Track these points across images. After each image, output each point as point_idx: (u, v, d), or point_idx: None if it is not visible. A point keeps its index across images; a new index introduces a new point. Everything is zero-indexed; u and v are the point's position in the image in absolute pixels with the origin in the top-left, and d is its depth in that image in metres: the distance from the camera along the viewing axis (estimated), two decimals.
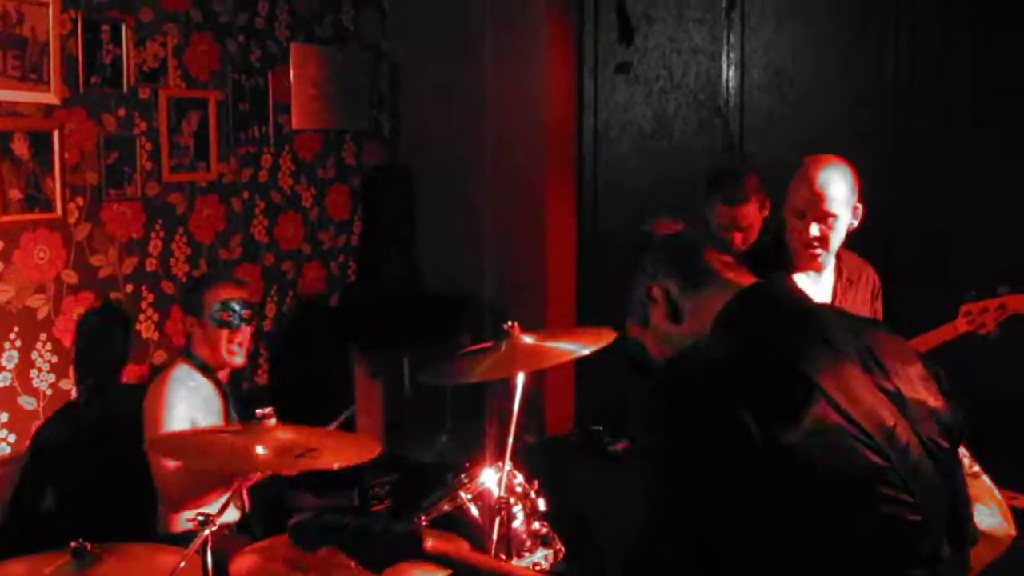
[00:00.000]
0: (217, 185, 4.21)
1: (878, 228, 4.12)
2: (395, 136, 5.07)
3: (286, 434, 2.50)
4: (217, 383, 3.38)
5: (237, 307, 3.34)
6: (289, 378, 4.48)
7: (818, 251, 2.94)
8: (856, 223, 2.99)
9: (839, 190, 2.92)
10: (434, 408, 4.30)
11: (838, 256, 3.05)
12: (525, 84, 4.76)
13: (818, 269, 3.01)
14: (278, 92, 4.46)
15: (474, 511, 2.75)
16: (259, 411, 2.74)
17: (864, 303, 3.12)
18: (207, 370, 3.36)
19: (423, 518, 2.83)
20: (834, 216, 2.92)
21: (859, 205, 2.98)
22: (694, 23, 4.60)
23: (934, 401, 1.73)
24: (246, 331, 3.38)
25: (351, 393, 4.55)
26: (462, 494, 2.77)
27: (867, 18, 4.22)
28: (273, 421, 2.67)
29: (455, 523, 2.68)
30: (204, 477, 3.16)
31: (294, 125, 4.55)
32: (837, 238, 2.96)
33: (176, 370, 3.34)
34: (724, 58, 4.53)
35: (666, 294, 1.84)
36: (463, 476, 2.88)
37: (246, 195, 4.35)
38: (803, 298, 1.83)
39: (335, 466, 2.40)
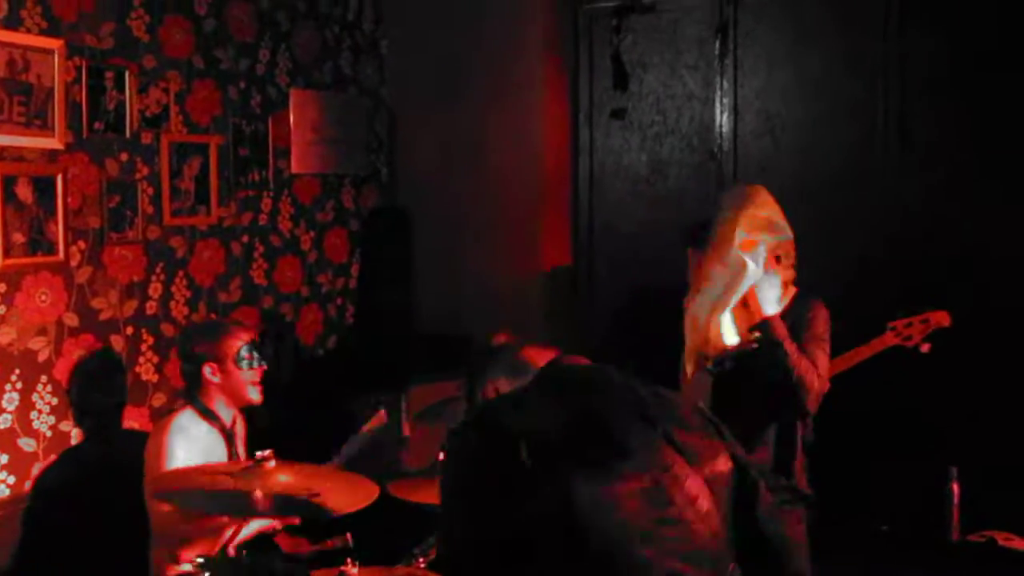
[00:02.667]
0: (217, 229, 4.26)
1: (873, 268, 4.20)
2: (393, 180, 5.13)
3: (286, 476, 2.53)
4: (222, 429, 3.41)
5: (257, 347, 3.46)
6: (286, 421, 4.49)
7: None
8: None
9: None
10: (433, 450, 4.31)
11: None
12: (521, 129, 4.83)
13: None
14: (278, 137, 4.52)
15: None
16: (259, 453, 2.77)
17: None
18: (211, 416, 3.39)
19: (421, 561, 2.84)
20: None
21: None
22: (688, 69, 4.67)
23: None
24: (262, 370, 3.49)
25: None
26: None
27: (857, 62, 4.29)
28: (273, 463, 2.70)
29: None
30: (201, 520, 3.17)
31: (293, 169, 4.61)
32: None
33: (178, 418, 3.37)
34: (718, 103, 4.60)
35: (497, 392, 2.01)
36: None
37: (246, 238, 4.39)
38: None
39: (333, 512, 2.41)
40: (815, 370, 3.06)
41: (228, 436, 3.42)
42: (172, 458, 3.24)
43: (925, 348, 3.48)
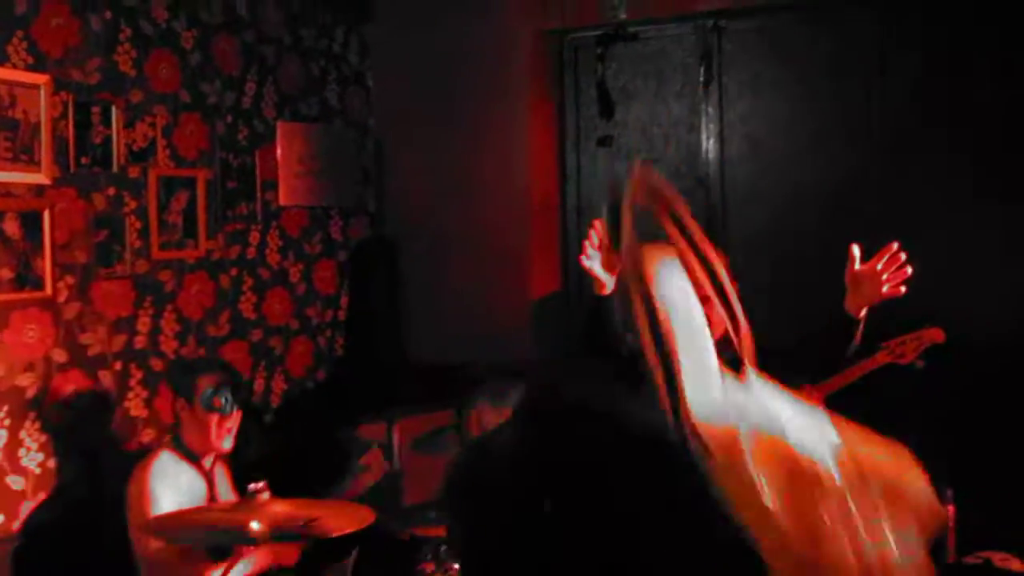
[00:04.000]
0: (205, 262, 4.24)
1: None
2: (380, 211, 5.13)
3: (281, 507, 2.50)
4: (201, 469, 3.37)
5: (230, 393, 3.36)
6: (277, 454, 4.45)
7: None
8: None
9: None
10: (428, 481, 4.28)
11: None
12: (508, 158, 4.84)
13: None
14: (265, 170, 4.51)
15: None
16: (252, 485, 2.75)
17: None
18: (191, 457, 3.36)
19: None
20: None
21: None
22: (673, 96, 4.69)
23: None
24: (236, 417, 3.39)
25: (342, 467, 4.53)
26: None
27: (842, 87, 4.32)
28: (267, 495, 2.68)
29: None
30: (190, 557, 3.14)
31: (281, 202, 4.60)
32: None
33: (159, 458, 3.34)
34: (703, 130, 4.62)
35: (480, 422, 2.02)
36: (443, 548, 2.91)
37: (234, 272, 4.37)
38: None
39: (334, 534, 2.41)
40: None
41: (210, 478, 3.37)
42: (159, 500, 3.19)
43: (920, 364, 3.49)
